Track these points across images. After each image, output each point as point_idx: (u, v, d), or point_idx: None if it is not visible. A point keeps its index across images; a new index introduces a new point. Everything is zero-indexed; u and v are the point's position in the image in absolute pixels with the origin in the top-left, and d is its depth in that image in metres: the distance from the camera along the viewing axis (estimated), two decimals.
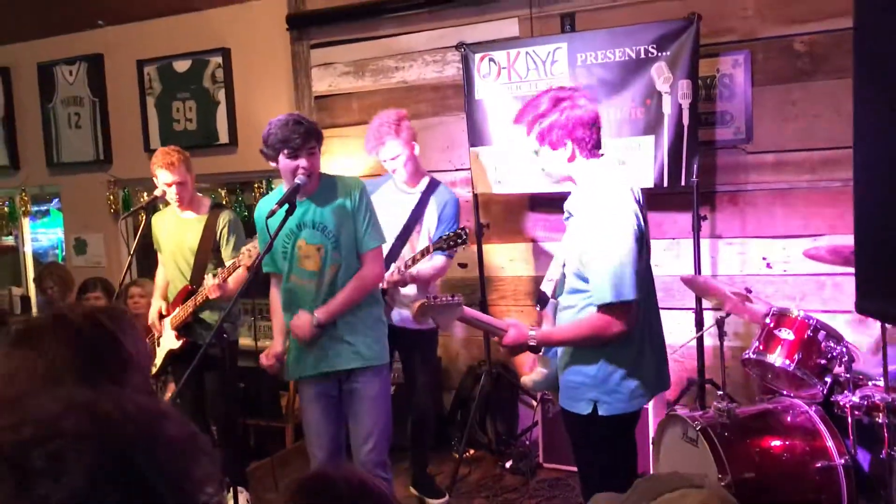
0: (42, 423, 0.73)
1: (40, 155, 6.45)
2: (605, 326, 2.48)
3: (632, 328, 2.49)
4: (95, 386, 0.82)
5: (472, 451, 4.65)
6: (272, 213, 2.93)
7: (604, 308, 2.47)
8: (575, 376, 2.64)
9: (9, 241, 7.21)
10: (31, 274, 6.83)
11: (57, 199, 6.68)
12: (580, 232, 2.58)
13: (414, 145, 3.95)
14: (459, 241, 3.57)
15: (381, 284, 3.50)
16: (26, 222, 6.91)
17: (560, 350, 2.75)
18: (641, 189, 2.69)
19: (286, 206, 2.96)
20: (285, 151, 3.03)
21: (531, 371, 2.92)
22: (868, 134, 1.66)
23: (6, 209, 6.65)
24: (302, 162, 3.03)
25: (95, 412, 0.75)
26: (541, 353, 2.81)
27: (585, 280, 2.55)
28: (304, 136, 3.00)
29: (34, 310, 6.86)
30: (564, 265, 2.69)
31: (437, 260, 3.82)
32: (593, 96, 4.11)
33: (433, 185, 4.01)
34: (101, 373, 1.30)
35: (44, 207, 7.14)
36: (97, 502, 0.70)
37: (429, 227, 3.93)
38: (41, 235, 7.45)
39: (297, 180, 3.02)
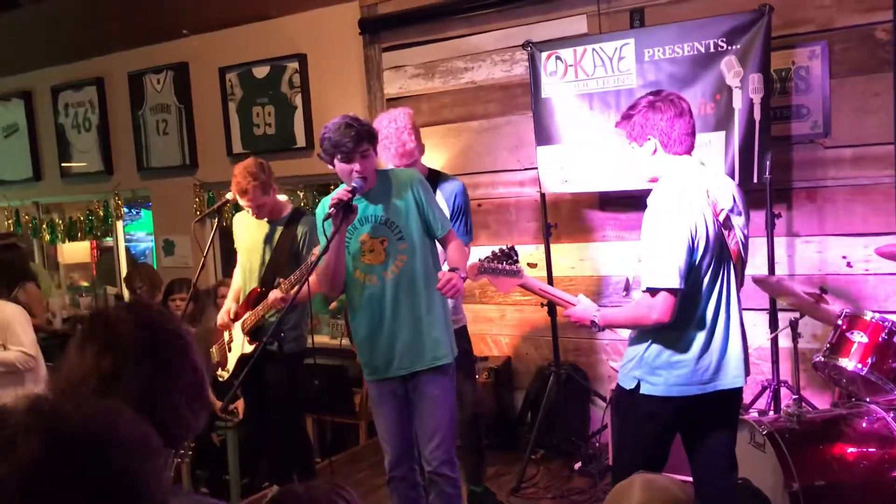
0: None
1: (132, 160, 6.76)
2: (645, 313, 2.59)
3: (669, 320, 2.55)
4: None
5: (541, 452, 4.62)
6: (328, 216, 2.97)
7: (647, 293, 2.59)
8: (628, 353, 2.79)
9: (108, 241, 7.58)
10: (123, 274, 7.14)
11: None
12: (643, 224, 2.69)
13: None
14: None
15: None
16: (119, 225, 7.23)
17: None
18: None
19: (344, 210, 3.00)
20: (338, 156, 3.06)
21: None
22: None
23: (101, 213, 6.97)
24: (356, 166, 3.04)
25: (44, 409, 0.90)
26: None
27: None
28: (355, 140, 3.01)
29: None
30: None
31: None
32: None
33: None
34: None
35: (135, 210, 7.47)
36: (45, 483, 0.84)
37: None
38: (139, 236, 7.81)
39: (353, 183, 3.05)
